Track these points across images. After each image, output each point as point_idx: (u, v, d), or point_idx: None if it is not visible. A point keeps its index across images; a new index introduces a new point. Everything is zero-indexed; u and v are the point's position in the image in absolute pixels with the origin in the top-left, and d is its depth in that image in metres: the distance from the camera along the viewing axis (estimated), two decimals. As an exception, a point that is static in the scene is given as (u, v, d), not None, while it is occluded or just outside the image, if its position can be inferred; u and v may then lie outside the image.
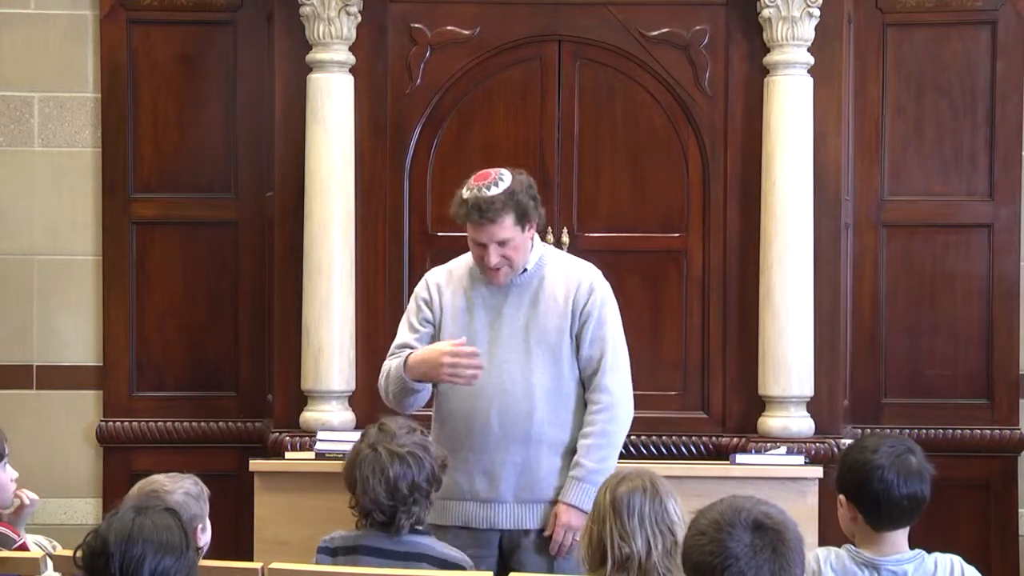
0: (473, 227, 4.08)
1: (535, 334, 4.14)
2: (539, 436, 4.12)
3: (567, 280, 4.18)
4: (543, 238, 4.60)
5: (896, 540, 3.25)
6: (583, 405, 4.18)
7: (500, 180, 4.08)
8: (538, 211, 4.13)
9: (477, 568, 3.79)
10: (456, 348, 4.04)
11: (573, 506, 4.05)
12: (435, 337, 4.22)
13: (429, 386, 4.18)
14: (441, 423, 4.21)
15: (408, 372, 4.10)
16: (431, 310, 4.23)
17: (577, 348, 4.16)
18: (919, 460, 3.19)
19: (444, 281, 4.25)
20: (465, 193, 4.08)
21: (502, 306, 4.16)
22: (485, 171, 4.13)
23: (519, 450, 4.11)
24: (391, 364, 4.20)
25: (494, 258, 4.07)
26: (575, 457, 4.11)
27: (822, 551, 3.31)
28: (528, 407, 4.11)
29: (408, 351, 4.17)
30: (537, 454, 4.12)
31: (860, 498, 3.20)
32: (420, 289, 4.29)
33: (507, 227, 4.05)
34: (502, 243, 4.07)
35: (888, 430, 5.47)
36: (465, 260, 4.26)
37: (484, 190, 4.05)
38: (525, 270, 4.17)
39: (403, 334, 4.27)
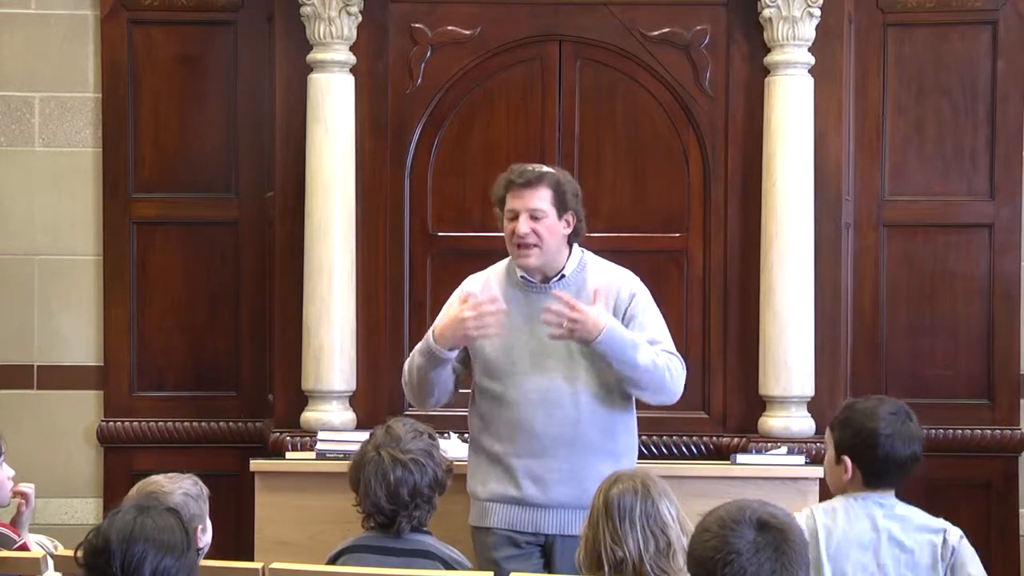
0: (511, 195, 4.11)
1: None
2: (587, 442, 4.10)
3: (608, 287, 4.16)
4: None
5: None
6: (631, 411, 4.20)
7: (542, 165, 4.20)
8: (577, 209, 4.15)
9: (517, 569, 3.79)
10: (474, 301, 4.04)
11: (604, 319, 3.98)
12: (467, 345, 4.16)
13: (451, 369, 4.14)
14: (484, 427, 4.18)
15: (438, 342, 4.06)
16: None
17: None
18: (915, 424, 3.49)
19: (480, 288, 4.22)
20: (506, 173, 4.17)
21: (542, 311, 4.11)
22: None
23: (567, 456, 4.09)
24: (414, 350, 4.18)
25: (524, 226, 4.07)
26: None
27: (817, 509, 3.47)
28: (575, 414, 4.10)
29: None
30: (585, 460, 4.08)
31: (866, 461, 3.43)
32: (454, 296, 4.26)
33: (542, 198, 4.08)
34: (534, 215, 4.07)
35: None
36: (503, 265, 4.25)
37: (525, 166, 4.17)
38: (563, 276, 4.16)
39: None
